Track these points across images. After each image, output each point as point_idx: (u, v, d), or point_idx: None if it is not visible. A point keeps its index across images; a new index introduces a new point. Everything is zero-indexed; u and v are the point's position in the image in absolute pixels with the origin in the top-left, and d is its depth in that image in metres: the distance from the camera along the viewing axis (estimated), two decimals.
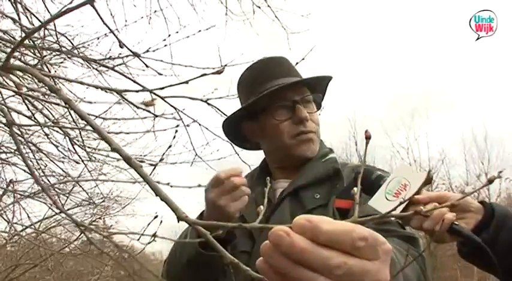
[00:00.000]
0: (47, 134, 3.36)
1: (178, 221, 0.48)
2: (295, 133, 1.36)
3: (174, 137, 1.09)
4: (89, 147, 3.91)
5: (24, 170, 3.97)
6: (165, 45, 2.10)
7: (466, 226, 1.09)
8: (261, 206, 0.55)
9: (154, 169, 1.16)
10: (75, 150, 3.57)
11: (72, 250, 5.08)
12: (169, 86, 0.83)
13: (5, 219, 4.08)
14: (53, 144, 3.63)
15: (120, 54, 2.34)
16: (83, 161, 3.79)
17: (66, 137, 3.54)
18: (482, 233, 1.06)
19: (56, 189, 4.25)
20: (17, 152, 3.94)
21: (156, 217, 1.05)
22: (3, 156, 4.30)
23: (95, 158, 3.98)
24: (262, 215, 0.54)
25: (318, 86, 1.47)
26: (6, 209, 4.26)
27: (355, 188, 0.55)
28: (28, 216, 4.52)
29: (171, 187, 1.42)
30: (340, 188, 1.29)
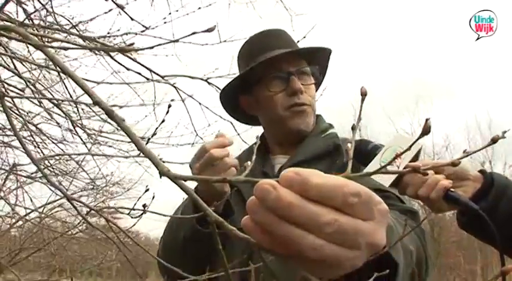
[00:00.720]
0: (49, 113, 3.33)
1: (160, 177, 0.45)
2: (289, 105, 1.32)
3: (168, 112, 1.05)
4: (90, 129, 3.90)
5: (25, 152, 3.96)
6: (165, 23, 2.07)
7: (464, 194, 1.05)
8: (248, 162, 0.52)
9: (147, 142, 1.13)
10: (76, 132, 3.56)
11: (75, 234, 5.09)
12: (157, 45, 0.79)
13: (8, 203, 4.07)
14: (55, 124, 3.59)
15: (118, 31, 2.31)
16: (84, 143, 3.78)
17: (68, 120, 3.54)
18: (481, 202, 1.03)
19: (58, 171, 4.24)
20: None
21: (147, 190, 1.03)
22: (6, 139, 4.27)
23: (98, 140, 3.97)
24: None
25: (316, 58, 1.43)
26: (9, 193, 4.26)
27: (348, 144, 0.52)
28: (31, 200, 4.54)
29: (163, 162, 1.39)
30: (340, 164, 1.26)
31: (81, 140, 3.67)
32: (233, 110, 1.51)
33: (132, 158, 4.14)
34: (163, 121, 1.04)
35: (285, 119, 1.33)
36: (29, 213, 4.45)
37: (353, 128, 0.51)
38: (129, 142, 3.80)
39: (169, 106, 1.21)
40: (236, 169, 1.13)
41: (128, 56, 2.21)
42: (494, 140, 0.53)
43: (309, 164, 1.26)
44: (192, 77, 2.59)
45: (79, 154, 4.28)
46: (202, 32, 0.68)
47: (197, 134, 2.85)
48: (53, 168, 4.24)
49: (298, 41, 1.74)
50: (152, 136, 1.10)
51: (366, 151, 1.16)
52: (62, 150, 4.11)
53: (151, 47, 0.71)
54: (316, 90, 1.49)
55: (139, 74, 1.96)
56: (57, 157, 3.85)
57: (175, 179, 0.44)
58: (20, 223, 4.60)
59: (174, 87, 2.65)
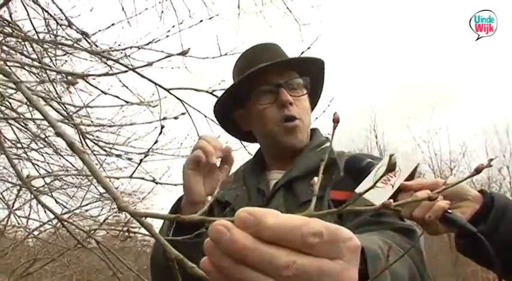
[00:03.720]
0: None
1: (118, 211, 0.44)
2: (280, 118, 1.29)
3: (161, 133, 1.03)
4: (103, 142, 3.93)
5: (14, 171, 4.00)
6: (167, 36, 2.07)
7: (462, 215, 1.00)
8: (209, 197, 0.50)
9: (140, 163, 1.12)
10: (86, 144, 3.58)
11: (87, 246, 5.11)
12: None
13: (18, 217, 4.11)
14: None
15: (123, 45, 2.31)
16: (95, 155, 3.80)
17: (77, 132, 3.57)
18: (480, 225, 0.97)
19: (69, 184, 4.27)
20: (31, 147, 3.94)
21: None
22: (20, 152, 4.31)
23: (111, 152, 3.99)
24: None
25: (309, 70, 1.38)
26: (24, 205, 4.30)
27: (315, 178, 0.49)
28: (45, 211, 4.59)
29: (156, 183, 1.39)
30: (336, 178, 1.21)
31: (92, 152, 3.69)
32: (229, 127, 1.48)
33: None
34: (156, 142, 1.04)
35: (277, 135, 1.30)
36: (43, 224, 4.50)
37: (322, 160, 0.49)
38: (139, 153, 3.83)
39: (162, 127, 1.21)
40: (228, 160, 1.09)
41: (137, 73, 2.23)
42: (477, 171, 0.51)
43: (304, 179, 1.24)
44: (198, 90, 2.58)
45: (67, 175, 4.29)
46: (177, 54, 0.67)
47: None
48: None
49: (302, 52, 1.72)
50: (146, 155, 1.08)
51: (359, 168, 1.11)
52: (71, 163, 4.14)
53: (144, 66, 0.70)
54: (314, 104, 1.46)
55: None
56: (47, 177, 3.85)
57: (134, 215, 0.43)
58: (35, 233, 4.65)
59: (180, 100, 2.65)
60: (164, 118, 1.30)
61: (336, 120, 0.50)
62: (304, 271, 0.39)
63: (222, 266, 0.40)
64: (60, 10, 2.92)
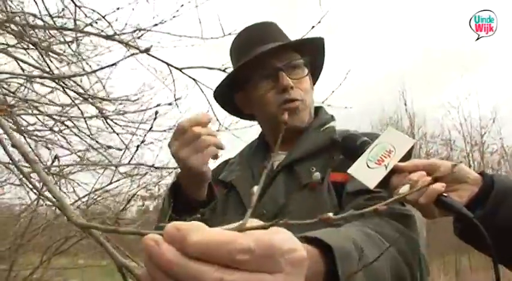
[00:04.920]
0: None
1: (67, 221, 0.44)
2: (280, 102, 1.27)
3: (155, 118, 1.03)
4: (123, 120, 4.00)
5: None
6: (174, 17, 2.06)
7: (459, 199, 0.95)
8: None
9: (137, 149, 1.13)
10: (109, 124, 3.64)
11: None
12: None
13: (47, 198, 4.22)
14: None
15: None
16: (117, 134, 3.87)
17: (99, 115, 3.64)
18: (478, 209, 0.92)
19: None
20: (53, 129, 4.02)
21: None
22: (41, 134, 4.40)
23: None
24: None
25: (310, 49, 1.35)
26: (55, 184, 4.43)
27: (254, 187, 0.48)
28: (74, 190, 4.71)
29: (156, 168, 1.40)
30: (337, 160, 1.19)
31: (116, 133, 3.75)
32: (230, 108, 1.46)
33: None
34: (151, 128, 1.04)
35: (278, 117, 1.28)
36: (73, 203, 4.65)
37: (265, 167, 0.48)
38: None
39: (156, 112, 1.22)
40: (218, 147, 1.06)
41: (150, 55, 2.24)
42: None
43: (305, 161, 1.22)
44: (210, 68, 2.59)
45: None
46: (140, 52, 0.66)
47: (220, 123, 2.90)
48: None
49: (313, 27, 1.68)
50: (141, 143, 1.09)
51: (353, 147, 1.07)
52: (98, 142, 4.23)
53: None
54: (316, 80, 1.44)
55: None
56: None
57: (83, 227, 0.43)
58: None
59: (193, 79, 2.67)
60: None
61: (284, 123, 0.48)
62: None
63: (155, 278, 0.41)
64: None
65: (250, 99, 1.35)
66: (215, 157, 1.05)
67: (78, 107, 3.35)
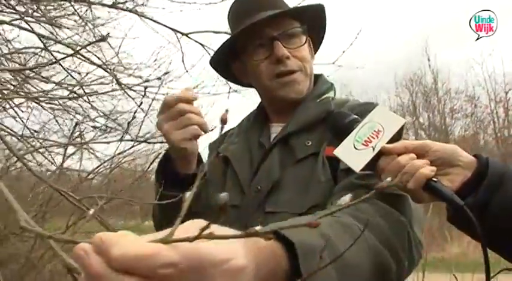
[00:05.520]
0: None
1: (20, 227, 0.47)
2: (274, 74, 1.23)
3: (141, 103, 1.05)
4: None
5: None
6: None
7: (450, 183, 0.89)
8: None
9: (128, 127, 1.15)
10: (121, 87, 3.67)
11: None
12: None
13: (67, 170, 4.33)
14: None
15: None
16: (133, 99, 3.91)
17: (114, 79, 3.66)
18: (469, 196, 0.86)
19: None
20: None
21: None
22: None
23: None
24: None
25: (310, 16, 1.29)
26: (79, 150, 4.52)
27: (187, 193, 0.48)
28: (96, 156, 4.81)
29: (149, 143, 1.43)
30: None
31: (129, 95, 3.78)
32: (228, 76, 1.44)
33: None
34: (136, 111, 1.05)
35: (273, 90, 1.26)
36: (96, 168, 4.77)
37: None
38: None
39: (144, 96, 1.23)
40: (202, 128, 1.06)
41: (154, 21, 2.23)
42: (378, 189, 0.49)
43: (301, 134, 1.20)
44: (216, 32, 2.57)
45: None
46: (96, 41, 0.67)
47: (230, 87, 2.93)
48: None
49: None
50: (131, 120, 1.11)
51: (342, 125, 1.01)
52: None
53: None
54: (317, 47, 1.39)
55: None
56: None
57: (32, 232, 0.46)
58: (92, 175, 4.91)
59: (201, 44, 2.65)
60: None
61: (223, 122, 0.48)
62: None
63: None
64: None
65: (246, 68, 1.32)
66: (196, 136, 1.06)
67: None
